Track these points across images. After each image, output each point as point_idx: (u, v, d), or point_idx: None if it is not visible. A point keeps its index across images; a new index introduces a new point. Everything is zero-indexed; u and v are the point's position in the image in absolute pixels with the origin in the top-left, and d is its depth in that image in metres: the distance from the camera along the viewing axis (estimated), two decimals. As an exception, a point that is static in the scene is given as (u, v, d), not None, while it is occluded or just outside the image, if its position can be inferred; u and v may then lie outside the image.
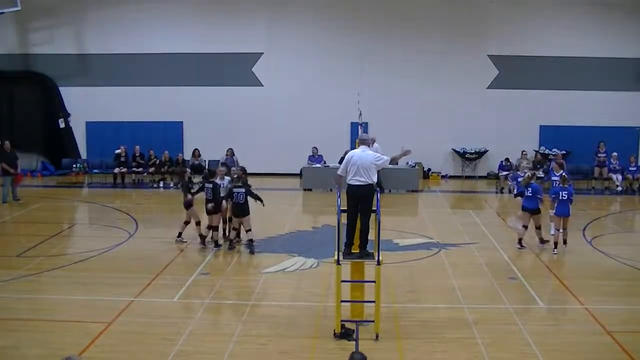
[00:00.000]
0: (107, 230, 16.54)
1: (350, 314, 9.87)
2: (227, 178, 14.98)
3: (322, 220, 17.73)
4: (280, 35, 25.23)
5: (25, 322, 9.95)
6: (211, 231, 14.53)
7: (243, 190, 14.16)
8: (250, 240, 14.18)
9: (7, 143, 20.20)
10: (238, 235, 14.65)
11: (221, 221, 14.80)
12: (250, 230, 14.22)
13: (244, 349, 9.10)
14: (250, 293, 11.54)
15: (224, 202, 14.48)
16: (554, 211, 14.46)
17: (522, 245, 14.46)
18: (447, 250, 14.62)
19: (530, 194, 14.35)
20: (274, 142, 24.98)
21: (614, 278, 12.73)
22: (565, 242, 14.32)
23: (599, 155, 23.14)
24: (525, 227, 14.49)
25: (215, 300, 11.17)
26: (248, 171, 24.16)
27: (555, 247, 14.18)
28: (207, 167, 24.20)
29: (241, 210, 14.20)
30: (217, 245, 14.38)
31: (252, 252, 14.02)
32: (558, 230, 14.42)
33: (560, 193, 14.19)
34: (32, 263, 13.23)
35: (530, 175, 14.95)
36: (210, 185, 14.36)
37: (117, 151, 23.48)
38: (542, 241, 14.57)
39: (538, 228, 14.52)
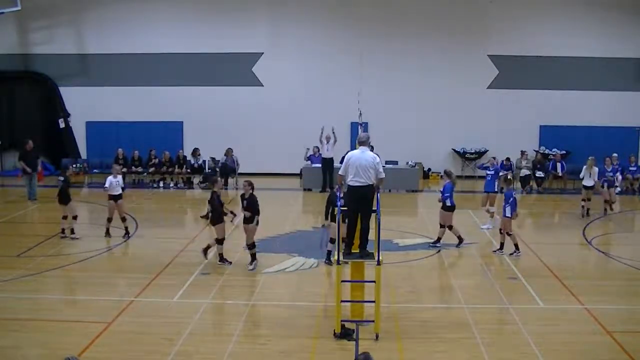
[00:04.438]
0: (107, 230, 16.51)
1: (350, 314, 9.88)
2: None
3: (322, 220, 17.71)
4: (280, 35, 25.20)
5: (25, 322, 9.96)
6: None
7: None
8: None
9: (30, 142, 20.64)
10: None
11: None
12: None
13: (244, 349, 9.12)
14: (250, 293, 11.54)
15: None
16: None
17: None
18: (447, 250, 14.63)
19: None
20: (274, 142, 24.93)
21: (614, 278, 12.77)
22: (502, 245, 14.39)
23: (607, 174, 19.21)
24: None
25: (215, 300, 11.18)
26: (247, 171, 24.54)
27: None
28: (206, 167, 24.22)
29: None
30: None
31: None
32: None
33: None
34: (32, 263, 13.24)
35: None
36: None
37: (118, 155, 23.47)
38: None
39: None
